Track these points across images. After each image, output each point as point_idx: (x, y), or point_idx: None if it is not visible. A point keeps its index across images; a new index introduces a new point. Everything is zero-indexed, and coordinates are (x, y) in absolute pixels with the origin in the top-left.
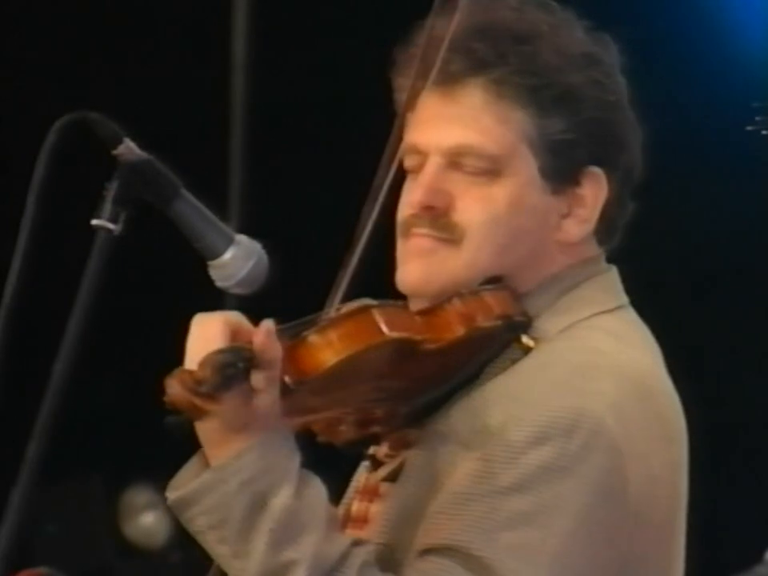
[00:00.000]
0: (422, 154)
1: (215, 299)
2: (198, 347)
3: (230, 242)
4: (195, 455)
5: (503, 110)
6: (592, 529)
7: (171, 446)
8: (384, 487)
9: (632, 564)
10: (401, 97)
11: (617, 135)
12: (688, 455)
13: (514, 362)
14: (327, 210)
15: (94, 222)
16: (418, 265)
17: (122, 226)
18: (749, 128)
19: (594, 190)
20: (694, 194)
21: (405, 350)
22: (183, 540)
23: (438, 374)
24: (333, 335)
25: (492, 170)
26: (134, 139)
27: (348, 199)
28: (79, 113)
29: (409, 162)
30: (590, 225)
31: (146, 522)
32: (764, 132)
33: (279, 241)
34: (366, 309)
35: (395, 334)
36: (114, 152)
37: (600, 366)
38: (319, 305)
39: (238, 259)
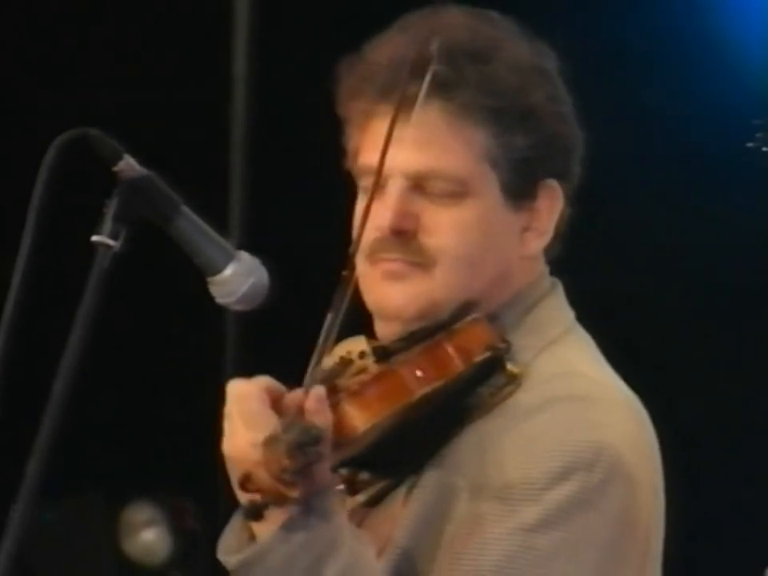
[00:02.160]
0: (382, 176)
1: (216, 316)
2: (244, 423)
3: (230, 258)
4: (235, 516)
5: (467, 131)
6: (615, 560)
7: (171, 464)
8: (352, 505)
9: None
10: (352, 118)
11: (569, 147)
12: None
13: (500, 388)
14: (328, 226)
15: (94, 238)
16: (394, 289)
17: (122, 243)
18: (749, 144)
19: (551, 202)
20: (694, 210)
21: (425, 399)
22: (183, 557)
23: (428, 407)
24: (366, 400)
25: (458, 191)
26: (133, 155)
27: (349, 216)
28: (79, 129)
29: (365, 183)
30: (548, 237)
31: (146, 538)
32: (764, 149)
33: (280, 257)
34: (393, 370)
35: (422, 391)
36: (114, 168)
37: (601, 397)
38: (319, 322)
39: (238, 276)
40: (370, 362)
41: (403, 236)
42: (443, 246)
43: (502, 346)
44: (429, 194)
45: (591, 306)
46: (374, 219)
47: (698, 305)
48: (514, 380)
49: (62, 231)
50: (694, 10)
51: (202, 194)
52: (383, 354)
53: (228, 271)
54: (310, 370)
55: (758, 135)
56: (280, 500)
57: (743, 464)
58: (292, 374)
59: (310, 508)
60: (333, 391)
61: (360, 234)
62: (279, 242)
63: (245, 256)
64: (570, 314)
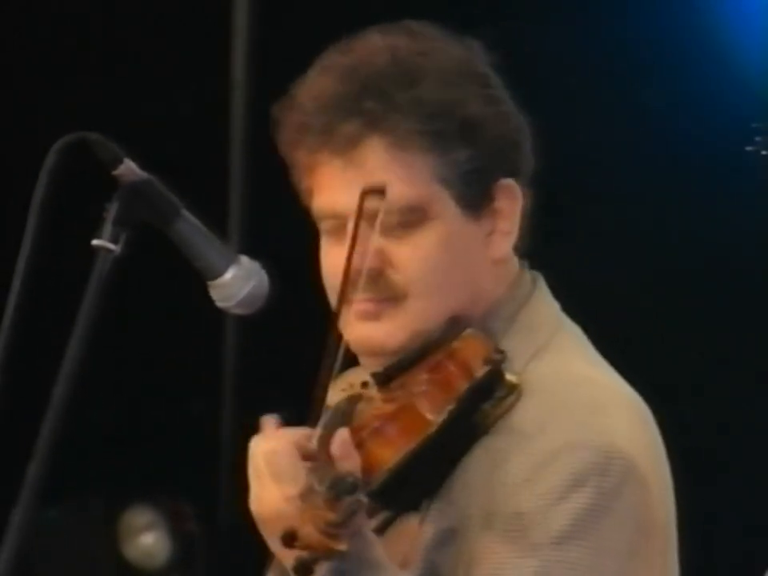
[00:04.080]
0: (340, 218)
1: (215, 320)
2: (275, 478)
3: (230, 262)
4: (271, 569)
5: (410, 159)
6: (638, 562)
7: (170, 468)
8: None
9: None
10: (297, 164)
11: (516, 142)
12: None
13: (501, 400)
14: None
15: (95, 242)
16: (370, 328)
17: (123, 247)
18: (748, 148)
19: (510, 201)
20: (693, 214)
21: (442, 426)
22: (182, 561)
23: (442, 432)
24: (389, 437)
25: (414, 220)
26: (133, 159)
27: None
28: (79, 133)
29: (326, 226)
30: (514, 236)
31: (145, 542)
32: (764, 152)
33: (280, 261)
34: (409, 404)
35: (440, 419)
36: (115, 172)
37: (603, 400)
38: (319, 326)
39: (238, 279)
40: (374, 391)
41: (371, 275)
42: (411, 278)
43: (498, 356)
44: (387, 228)
45: (588, 308)
46: (340, 263)
47: (697, 307)
48: (514, 390)
49: (63, 235)
50: (694, 13)
51: (202, 197)
52: (384, 379)
53: (228, 275)
54: (314, 412)
55: (757, 139)
56: (329, 554)
57: (743, 464)
58: (291, 378)
59: (359, 561)
60: (352, 431)
61: (345, 284)
62: (279, 246)
63: (245, 260)
64: (555, 309)
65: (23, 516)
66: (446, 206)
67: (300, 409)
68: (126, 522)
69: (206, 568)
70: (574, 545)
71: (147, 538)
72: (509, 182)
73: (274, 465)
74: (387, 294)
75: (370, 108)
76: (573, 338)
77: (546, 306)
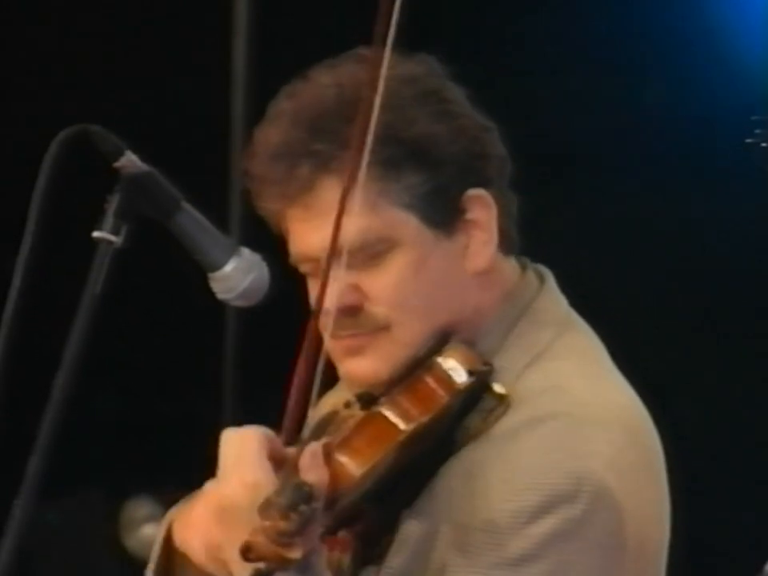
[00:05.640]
0: (313, 260)
1: (216, 312)
2: (238, 472)
3: (231, 254)
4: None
5: (362, 194)
6: None
7: (171, 459)
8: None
9: None
10: (267, 214)
11: (478, 153)
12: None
13: (490, 412)
14: None
15: (96, 234)
16: (359, 363)
17: (124, 239)
18: (748, 140)
19: (482, 210)
20: (693, 207)
21: (414, 436)
22: None
23: (419, 443)
24: (356, 446)
25: (383, 249)
26: (134, 152)
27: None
28: (80, 126)
29: (304, 269)
30: (493, 244)
31: (147, 533)
32: (763, 144)
33: (280, 253)
34: (377, 413)
35: (409, 428)
36: (116, 164)
37: (589, 422)
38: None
39: (239, 271)
40: (356, 410)
41: (351, 311)
42: (391, 307)
43: (484, 368)
44: (359, 261)
45: (588, 304)
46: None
47: (696, 301)
48: (503, 401)
49: (64, 227)
50: (694, 7)
51: (203, 190)
52: (368, 399)
53: (229, 267)
54: (286, 423)
55: (757, 131)
56: (283, 563)
57: (743, 462)
58: (291, 371)
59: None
60: (324, 444)
61: (316, 319)
62: (279, 239)
63: (245, 252)
64: (562, 309)
65: (24, 510)
66: (413, 230)
67: None
68: (128, 514)
69: None
70: (531, 566)
71: (149, 529)
72: (478, 192)
73: (241, 457)
74: (370, 326)
75: (319, 150)
76: (578, 341)
77: (549, 309)
